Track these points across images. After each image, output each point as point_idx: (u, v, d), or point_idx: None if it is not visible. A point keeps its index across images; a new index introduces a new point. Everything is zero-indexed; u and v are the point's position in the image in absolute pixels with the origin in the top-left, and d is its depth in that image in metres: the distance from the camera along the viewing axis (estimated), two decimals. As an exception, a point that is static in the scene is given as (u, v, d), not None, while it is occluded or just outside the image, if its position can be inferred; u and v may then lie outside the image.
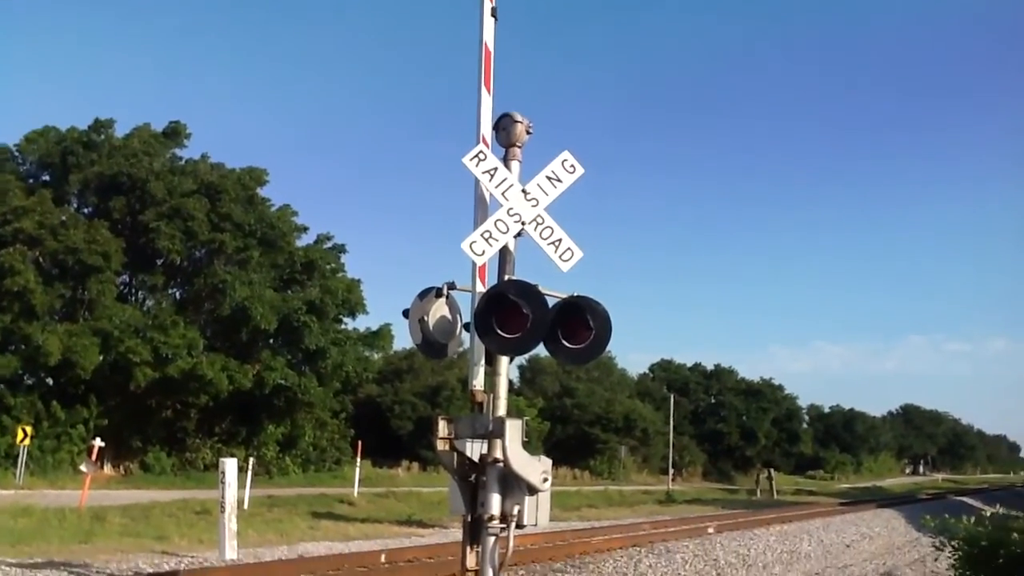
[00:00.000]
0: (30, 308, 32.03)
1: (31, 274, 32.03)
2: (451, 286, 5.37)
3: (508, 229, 5.14)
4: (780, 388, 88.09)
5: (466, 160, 5.24)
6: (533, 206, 5.22)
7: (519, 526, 5.00)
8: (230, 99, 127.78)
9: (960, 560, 8.45)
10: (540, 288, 4.95)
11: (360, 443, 33.34)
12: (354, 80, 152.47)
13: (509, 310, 4.82)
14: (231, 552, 13.08)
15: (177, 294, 39.67)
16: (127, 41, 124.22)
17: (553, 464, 5.40)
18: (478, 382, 5.24)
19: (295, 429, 39.50)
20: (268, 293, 36.70)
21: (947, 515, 9.09)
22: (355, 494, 28.48)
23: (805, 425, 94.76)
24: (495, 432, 4.93)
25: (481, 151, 5.28)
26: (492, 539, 4.96)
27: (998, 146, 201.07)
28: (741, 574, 14.62)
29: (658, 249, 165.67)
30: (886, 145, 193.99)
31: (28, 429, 28.76)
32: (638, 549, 15.84)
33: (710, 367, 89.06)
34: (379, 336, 40.63)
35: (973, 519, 8.65)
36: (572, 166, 5.36)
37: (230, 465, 13.60)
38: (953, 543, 8.54)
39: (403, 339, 41.84)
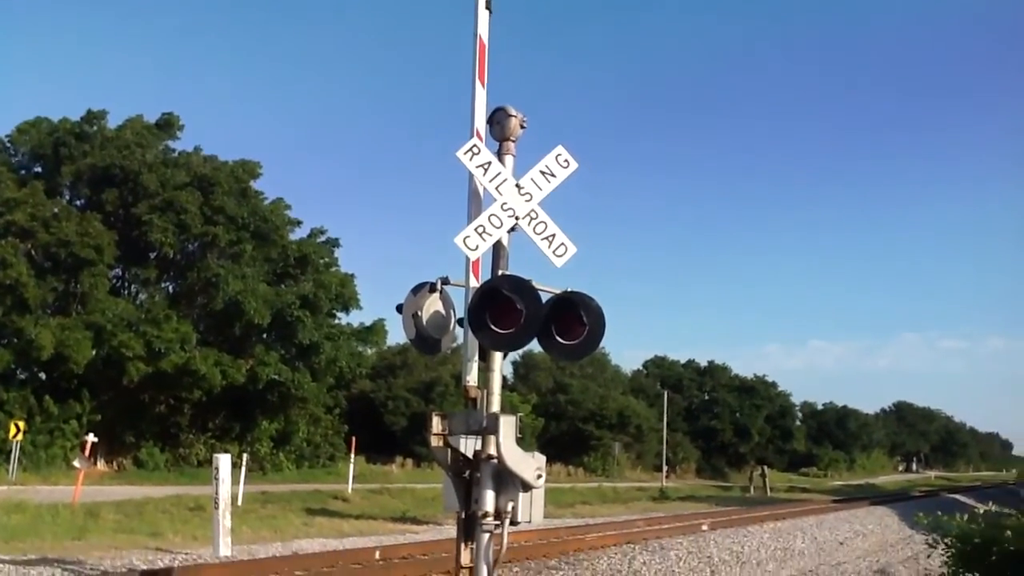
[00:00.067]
0: (23, 301, 31.86)
1: (23, 267, 31.87)
2: (445, 281, 5.35)
3: (502, 224, 5.11)
4: (774, 385, 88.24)
5: (460, 154, 5.20)
6: (527, 201, 5.18)
7: (513, 522, 4.98)
8: (229, 98, 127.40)
9: (953, 557, 8.46)
10: (534, 283, 4.92)
11: (354, 439, 33.30)
12: (352, 79, 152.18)
13: (503, 305, 4.80)
14: (225, 549, 13.03)
15: (170, 288, 39.49)
16: (127, 41, 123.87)
17: (547, 461, 5.38)
18: (472, 378, 5.21)
19: (289, 425, 39.37)
20: (261, 287, 36.53)
21: (940, 512, 9.11)
22: (349, 490, 28.51)
23: (798, 422, 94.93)
24: (489, 428, 4.91)
25: (475, 145, 5.24)
26: (486, 536, 4.94)
27: (998, 146, 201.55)
28: (735, 571, 14.62)
29: (657, 248, 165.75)
30: (886, 145, 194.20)
31: (21, 424, 28.57)
32: (632, 546, 15.80)
33: (704, 364, 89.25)
34: (373, 331, 40.52)
35: (966, 516, 8.66)
36: (566, 161, 5.33)
37: (224, 461, 13.56)
38: (946, 540, 8.55)
39: (397, 334, 41.64)
